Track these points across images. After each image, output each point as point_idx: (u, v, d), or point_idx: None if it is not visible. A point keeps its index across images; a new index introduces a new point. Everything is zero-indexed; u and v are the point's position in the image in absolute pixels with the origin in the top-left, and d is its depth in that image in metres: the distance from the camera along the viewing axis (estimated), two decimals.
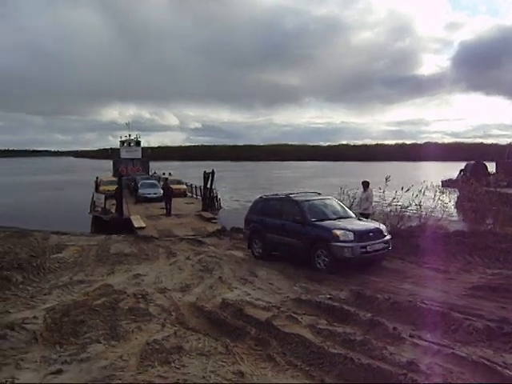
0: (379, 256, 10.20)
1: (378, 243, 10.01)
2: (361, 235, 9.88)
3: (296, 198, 11.67)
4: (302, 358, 4.84)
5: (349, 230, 9.85)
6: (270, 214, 11.83)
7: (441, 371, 4.46)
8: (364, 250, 9.74)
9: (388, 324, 5.86)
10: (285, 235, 11.00)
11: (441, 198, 15.08)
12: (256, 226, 12.10)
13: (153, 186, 31.08)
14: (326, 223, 10.42)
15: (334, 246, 9.68)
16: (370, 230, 10.23)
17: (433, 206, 14.86)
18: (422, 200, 14.68)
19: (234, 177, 70.24)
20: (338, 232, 9.80)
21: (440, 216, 14.35)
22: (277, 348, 5.08)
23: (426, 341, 5.37)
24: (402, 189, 14.87)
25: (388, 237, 10.42)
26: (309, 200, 11.61)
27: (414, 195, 14.72)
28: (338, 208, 11.70)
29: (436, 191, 16.08)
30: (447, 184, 32.95)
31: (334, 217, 11.00)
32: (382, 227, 10.69)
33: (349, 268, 9.74)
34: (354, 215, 11.54)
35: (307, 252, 10.29)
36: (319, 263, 10.03)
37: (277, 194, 13.23)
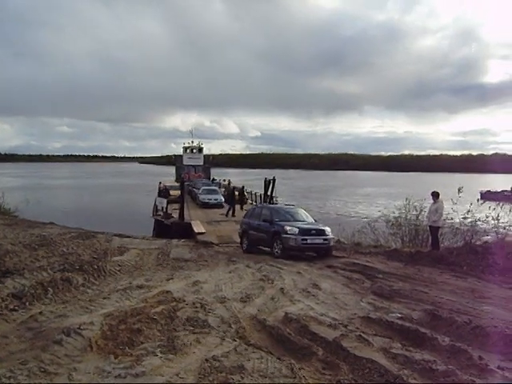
0: (320, 248, 13.66)
1: (318, 238, 13.58)
2: (304, 231, 13.48)
3: (269, 206, 17.26)
4: None
5: (295, 227, 13.55)
6: (253, 217, 15.70)
7: None
8: (305, 241, 13.34)
9: (471, 352, 5.14)
10: (259, 231, 14.77)
11: None
12: (245, 227, 15.86)
13: (213, 192, 31.28)
14: (283, 223, 14.09)
15: (283, 237, 13.45)
16: (313, 229, 13.82)
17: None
18: (500, 214, 13.57)
19: (291, 184, 69.74)
20: (288, 227, 13.58)
21: None
22: (347, 374, 4.53)
23: None
24: (478, 201, 13.81)
25: (330, 236, 13.84)
26: (278, 207, 16.36)
27: (492, 208, 13.64)
28: (300, 214, 15.44)
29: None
30: (487, 196, 30.58)
31: (293, 219, 14.66)
32: (326, 228, 13.99)
33: (294, 254, 13.32)
34: (311, 220, 15.17)
35: (271, 242, 14.06)
36: (276, 250, 13.70)
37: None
